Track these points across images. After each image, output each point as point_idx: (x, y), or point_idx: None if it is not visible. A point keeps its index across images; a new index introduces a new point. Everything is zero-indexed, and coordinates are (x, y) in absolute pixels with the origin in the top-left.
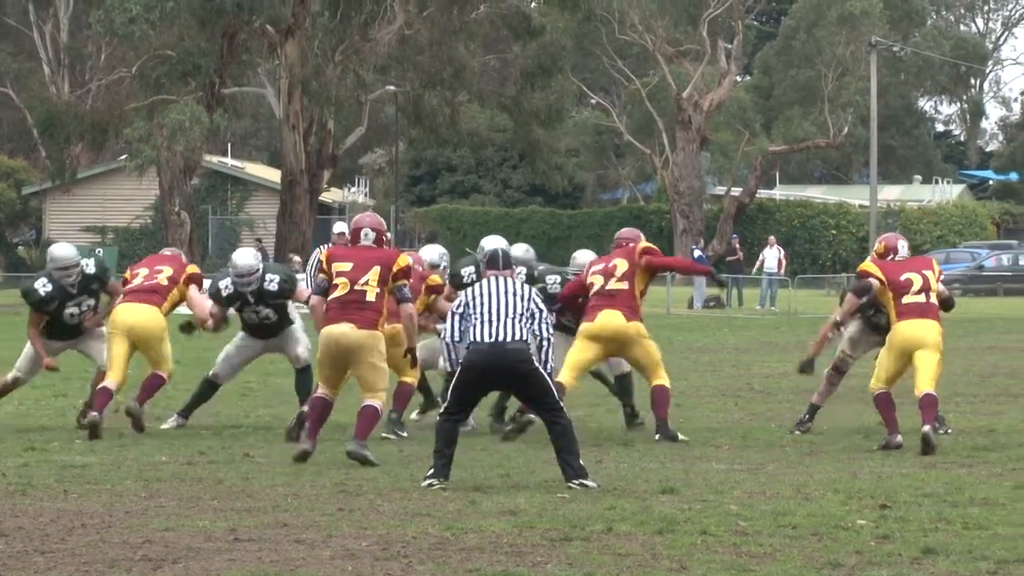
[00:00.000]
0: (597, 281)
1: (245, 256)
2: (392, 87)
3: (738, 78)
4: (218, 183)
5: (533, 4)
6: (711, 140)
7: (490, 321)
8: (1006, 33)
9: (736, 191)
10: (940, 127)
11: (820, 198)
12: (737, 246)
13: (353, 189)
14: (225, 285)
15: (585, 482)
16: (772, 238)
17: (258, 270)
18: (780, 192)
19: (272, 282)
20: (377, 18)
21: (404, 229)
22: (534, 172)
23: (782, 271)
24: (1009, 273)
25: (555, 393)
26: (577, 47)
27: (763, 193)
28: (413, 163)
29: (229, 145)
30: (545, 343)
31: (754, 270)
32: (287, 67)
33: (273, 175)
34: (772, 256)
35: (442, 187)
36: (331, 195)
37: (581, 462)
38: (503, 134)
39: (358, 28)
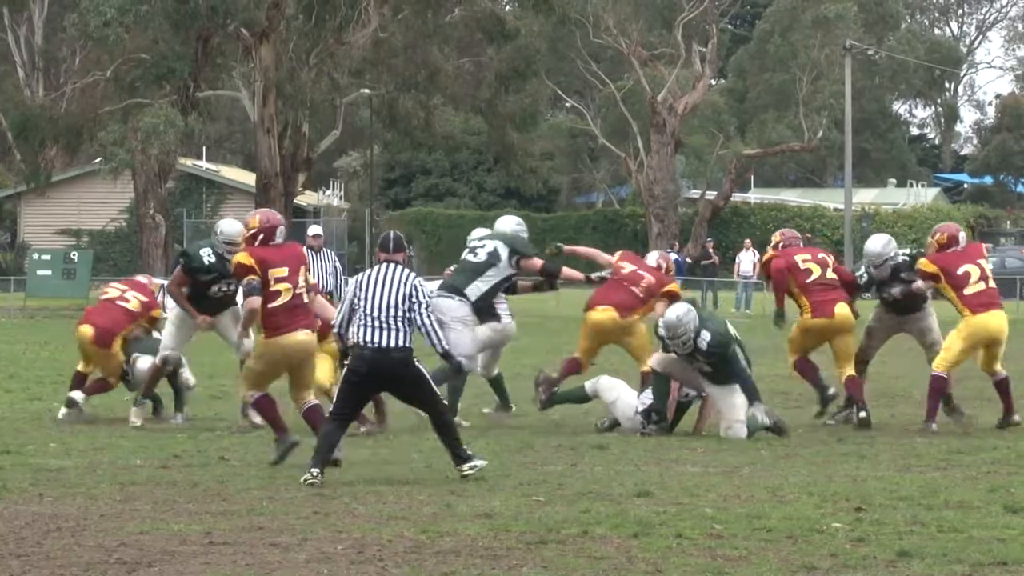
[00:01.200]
0: (815, 270)
1: (232, 224)
2: (366, 90)
3: (712, 81)
4: (193, 186)
5: (507, 7)
6: (685, 143)
7: (375, 323)
8: (980, 37)
9: (711, 195)
10: (915, 131)
11: (795, 201)
12: (711, 250)
13: (328, 192)
14: (207, 253)
15: (475, 463)
16: (748, 241)
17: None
18: (754, 195)
19: None
20: (351, 21)
21: (379, 232)
22: (508, 175)
23: (757, 274)
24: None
25: (434, 390)
26: (551, 50)
27: (737, 197)
28: (388, 166)
29: (204, 148)
30: (430, 331)
31: (735, 274)
32: (261, 70)
33: (248, 178)
34: (748, 259)
35: (417, 190)
36: (306, 198)
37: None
38: (477, 137)
39: (332, 31)
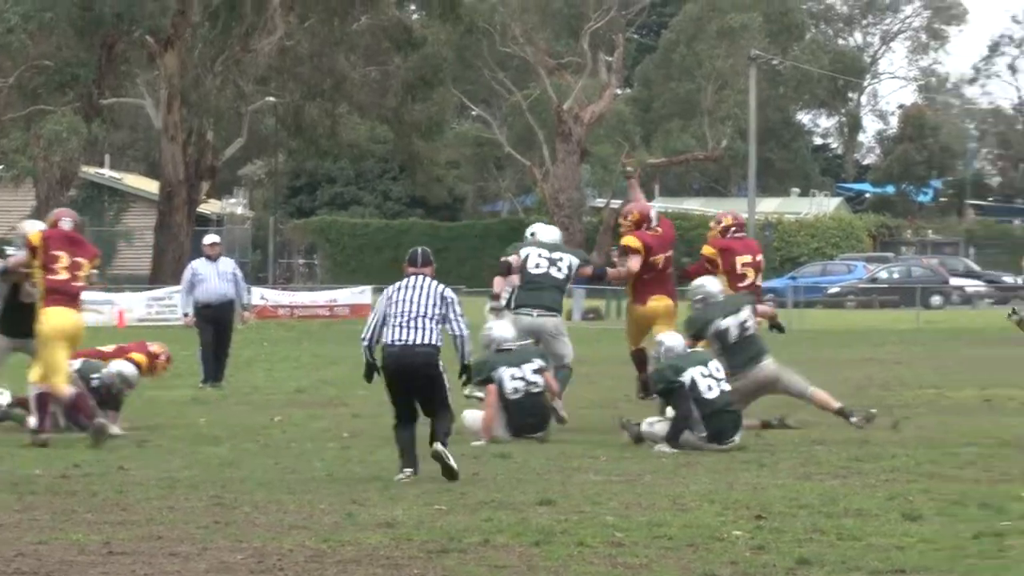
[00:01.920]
0: (749, 275)
1: (32, 224)
2: (272, 98)
3: (618, 91)
4: (95, 194)
5: (415, 16)
6: (591, 152)
7: (402, 322)
8: (884, 47)
9: (616, 203)
10: (818, 140)
11: (699, 210)
12: (616, 259)
13: (232, 200)
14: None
15: (449, 460)
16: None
17: None
18: (659, 204)
19: None
20: (258, 29)
21: (283, 240)
22: (414, 184)
23: None
24: (886, 285)
25: (449, 400)
26: (458, 59)
27: None
28: (293, 174)
29: (107, 156)
30: (460, 341)
31: None
32: (166, 78)
33: (151, 186)
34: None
35: (322, 199)
36: (209, 206)
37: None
38: (383, 146)
39: (238, 39)
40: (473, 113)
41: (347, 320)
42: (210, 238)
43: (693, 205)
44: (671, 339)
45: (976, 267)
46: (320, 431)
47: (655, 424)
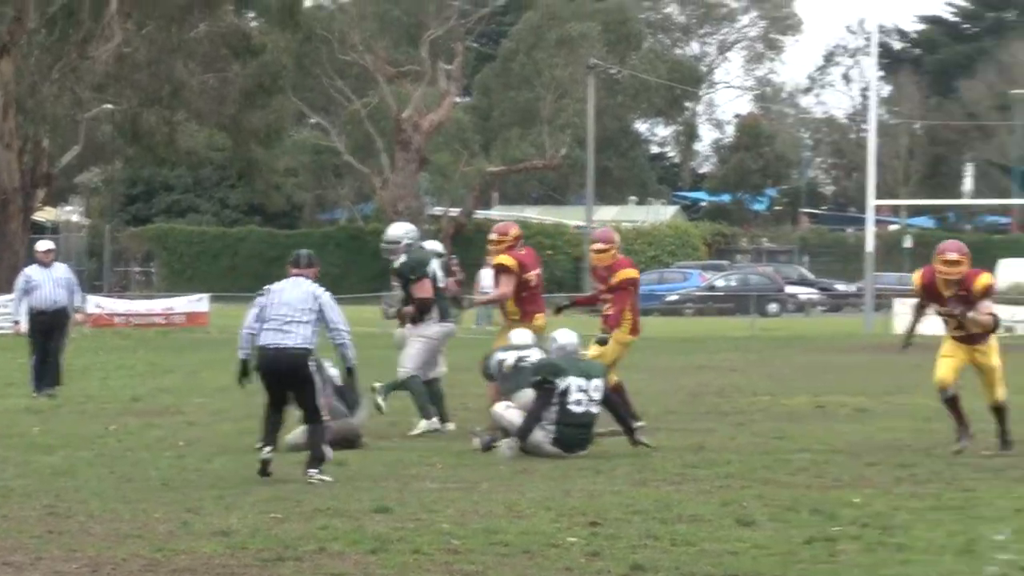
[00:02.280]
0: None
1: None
2: (109, 105)
3: (458, 99)
4: None
5: (253, 23)
6: (430, 160)
7: (276, 326)
8: (720, 57)
9: (454, 211)
10: (655, 149)
11: (537, 218)
12: (455, 267)
13: (68, 208)
14: None
15: (323, 477)
16: (490, 257)
17: None
18: (497, 212)
19: None
20: (95, 36)
21: (119, 249)
22: (252, 191)
23: None
24: (723, 293)
25: (317, 397)
26: (297, 66)
27: (480, 213)
28: (130, 182)
29: None
30: (341, 349)
31: (476, 291)
32: (2, 84)
33: None
34: (488, 275)
35: (159, 206)
36: (45, 214)
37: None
38: (221, 153)
39: (76, 46)
40: (312, 121)
41: (184, 328)
42: (43, 244)
43: (531, 213)
44: (565, 337)
45: (810, 275)
46: (156, 440)
47: (509, 409)
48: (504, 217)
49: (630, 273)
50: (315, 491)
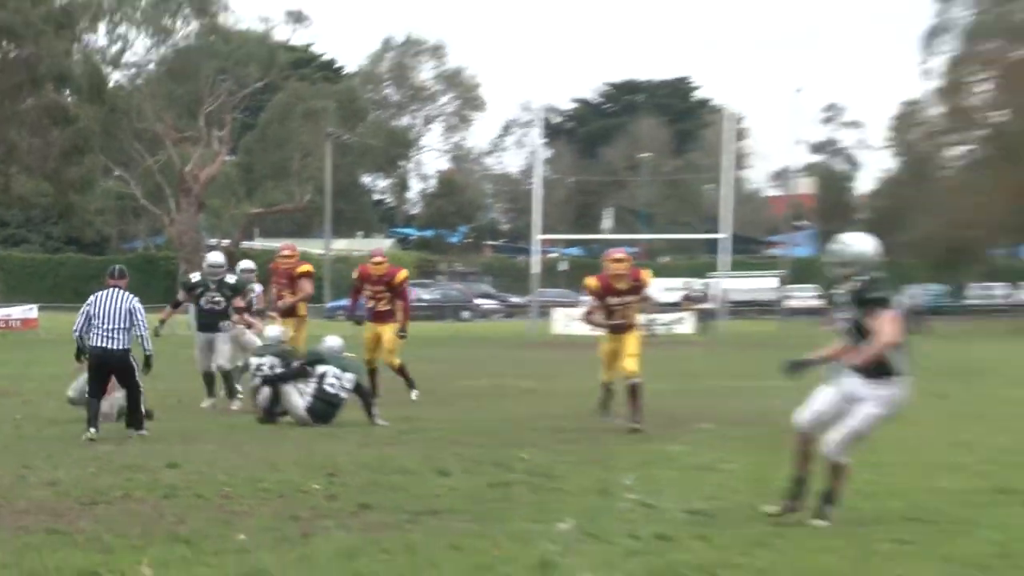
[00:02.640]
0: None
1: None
2: None
3: (227, 157)
4: None
5: (69, 98)
6: (206, 204)
7: (102, 332)
8: (425, 127)
9: (225, 242)
10: (377, 196)
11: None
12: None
13: None
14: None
15: (142, 432)
16: (254, 276)
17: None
18: (259, 243)
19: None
20: None
21: None
22: (71, 227)
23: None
24: (427, 304)
25: (136, 377)
26: (104, 132)
27: (246, 244)
28: None
29: None
30: (142, 339)
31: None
32: None
33: None
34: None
35: None
36: None
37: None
38: (46, 198)
39: None
40: (116, 173)
41: (19, 331)
42: None
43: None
44: (332, 340)
45: (492, 290)
46: None
47: (279, 370)
48: (264, 246)
49: (402, 275)
50: (123, 452)
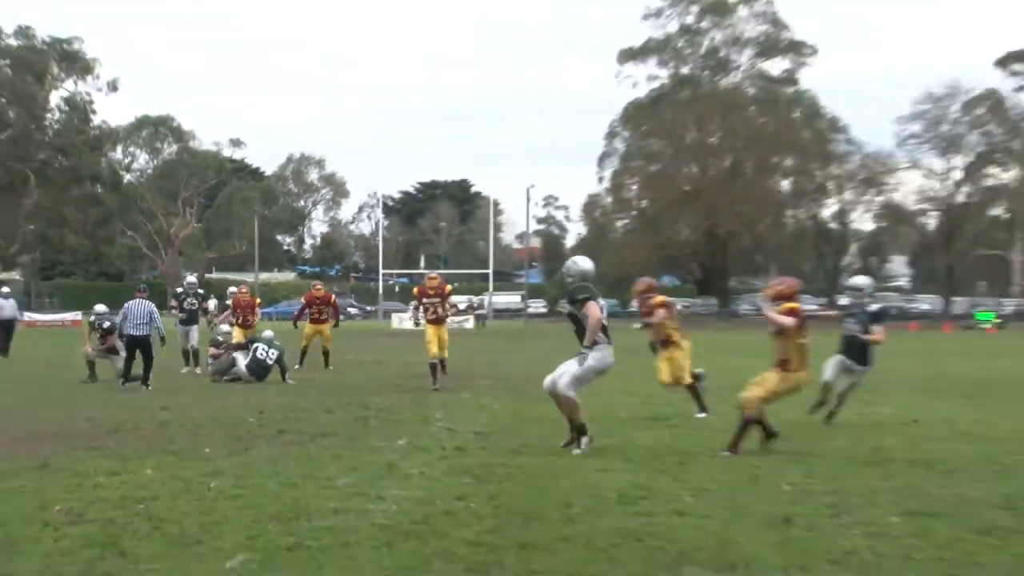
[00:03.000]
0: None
1: (192, 277)
2: None
3: (196, 224)
4: None
5: (99, 190)
6: (183, 252)
7: (134, 323)
8: (313, 206)
9: (195, 274)
10: (285, 247)
11: None
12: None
13: None
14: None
15: (147, 386)
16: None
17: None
18: (216, 275)
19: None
20: None
21: None
22: (101, 266)
23: None
24: None
25: (152, 358)
26: (120, 210)
27: (207, 276)
28: None
29: None
30: (160, 330)
31: None
32: None
33: None
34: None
35: None
36: None
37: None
38: (85, 248)
39: None
40: (128, 234)
41: (69, 328)
42: None
43: None
44: (267, 333)
45: (354, 303)
46: None
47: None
48: (219, 278)
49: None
50: (134, 398)
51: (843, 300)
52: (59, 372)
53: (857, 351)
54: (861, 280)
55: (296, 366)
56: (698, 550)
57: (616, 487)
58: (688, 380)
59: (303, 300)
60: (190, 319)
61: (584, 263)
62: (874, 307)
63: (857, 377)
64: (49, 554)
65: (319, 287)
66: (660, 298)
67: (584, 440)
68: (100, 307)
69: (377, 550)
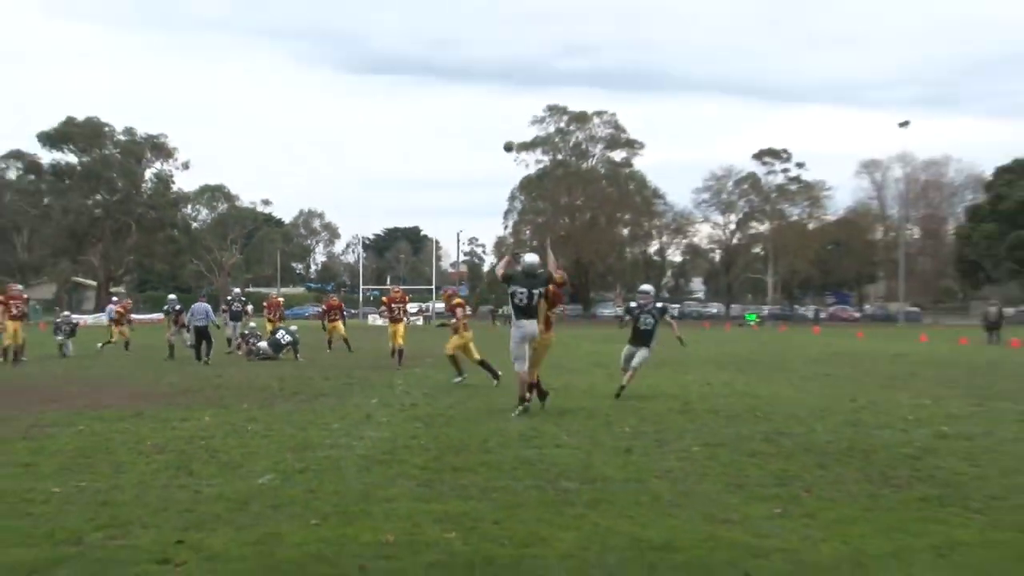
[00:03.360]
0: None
1: (236, 290)
2: None
3: (238, 255)
4: None
5: (176, 233)
6: (231, 275)
7: (199, 316)
8: (316, 244)
9: (239, 289)
10: (298, 271)
11: None
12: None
13: None
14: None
15: (207, 361)
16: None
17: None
18: (251, 289)
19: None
20: None
21: None
22: (177, 283)
23: None
24: None
25: (212, 337)
26: (189, 246)
27: (248, 289)
28: None
29: None
30: (214, 321)
31: None
32: None
33: None
34: None
35: None
36: None
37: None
38: (170, 270)
39: None
40: (194, 262)
41: (155, 324)
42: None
43: None
44: (291, 327)
45: (345, 308)
46: None
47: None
48: (255, 291)
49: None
50: (200, 369)
51: (635, 302)
52: (149, 353)
53: (645, 338)
54: (647, 287)
55: (327, 351)
56: (571, 469)
57: (517, 430)
58: (478, 357)
59: (324, 306)
60: (234, 317)
61: (532, 257)
62: (659, 304)
63: (644, 356)
64: (143, 473)
65: (334, 299)
66: (459, 300)
67: (519, 408)
68: (172, 296)
69: (359, 471)
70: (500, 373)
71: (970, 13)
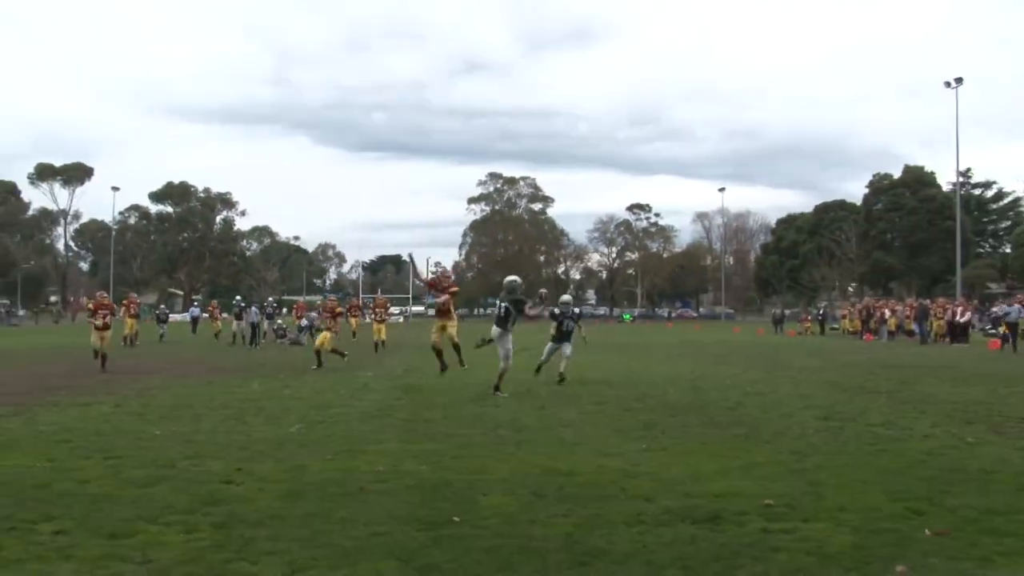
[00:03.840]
0: None
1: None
2: None
3: (276, 275)
4: None
5: (236, 260)
6: (272, 287)
7: (252, 315)
8: (330, 267)
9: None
10: (317, 284)
11: None
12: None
13: None
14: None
15: (258, 346)
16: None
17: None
18: (285, 297)
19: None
20: None
21: None
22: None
23: None
24: None
25: (256, 328)
26: (244, 269)
27: (283, 298)
28: None
29: None
30: (259, 317)
31: None
32: None
33: None
34: None
35: None
36: None
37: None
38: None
39: None
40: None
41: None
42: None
43: None
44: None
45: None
46: None
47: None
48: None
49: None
50: (248, 353)
51: (558, 308)
52: (217, 341)
53: (567, 336)
54: (567, 297)
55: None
56: (505, 422)
57: (473, 394)
58: (456, 340)
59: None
60: (270, 316)
61: (518, 281)
62: (576, 310)
63: (567, 351)
64: (214, 421)
65: (355, 300)
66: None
67: (500, 393)
68: (238, 297)
69: (360, 422)
70: (467, 366)
71: (763, 119)
